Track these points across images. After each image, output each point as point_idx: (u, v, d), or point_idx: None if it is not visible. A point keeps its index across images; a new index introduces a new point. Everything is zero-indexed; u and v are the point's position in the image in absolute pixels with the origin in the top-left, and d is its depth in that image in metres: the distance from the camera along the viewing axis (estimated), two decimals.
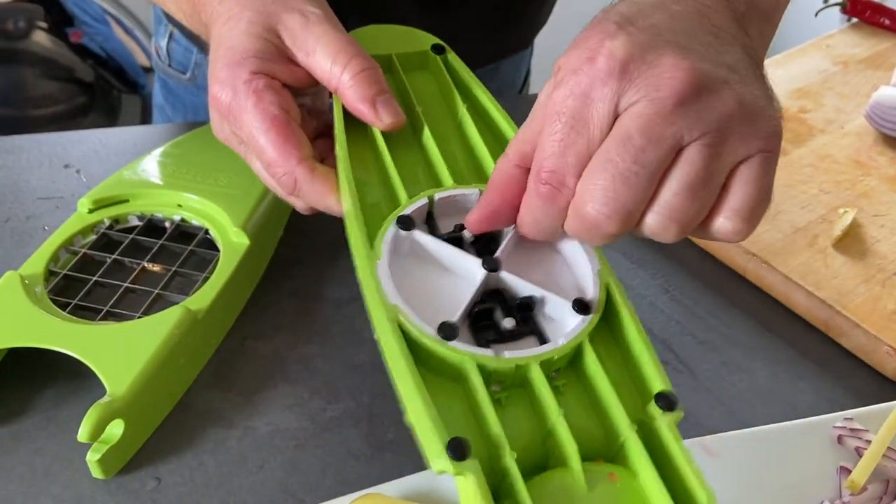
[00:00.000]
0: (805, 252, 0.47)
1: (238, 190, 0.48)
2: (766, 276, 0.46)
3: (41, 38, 1.55)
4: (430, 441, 0.25)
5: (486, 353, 0.28)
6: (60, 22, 1.56)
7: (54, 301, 0.41)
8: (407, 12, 0.57)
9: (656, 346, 0.45)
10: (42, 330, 0.39)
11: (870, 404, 0.39)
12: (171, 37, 0.69)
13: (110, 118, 1.64)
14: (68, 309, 0.41)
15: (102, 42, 1.59)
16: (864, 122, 0.56)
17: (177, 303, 0.41)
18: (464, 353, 0.28)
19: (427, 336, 0.28)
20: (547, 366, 0.28)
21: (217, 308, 0.42)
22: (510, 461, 0.26)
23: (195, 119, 0.70)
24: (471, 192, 0.34)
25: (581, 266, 0.32)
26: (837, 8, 0.69)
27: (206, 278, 0.43)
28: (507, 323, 0.30)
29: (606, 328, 0.31)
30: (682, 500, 0.25)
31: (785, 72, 0.62)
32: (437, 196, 0.34)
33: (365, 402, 0.41)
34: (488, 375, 0.28)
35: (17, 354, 0.40)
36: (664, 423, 0.27)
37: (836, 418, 0.38)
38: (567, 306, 0.30)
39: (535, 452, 0.28)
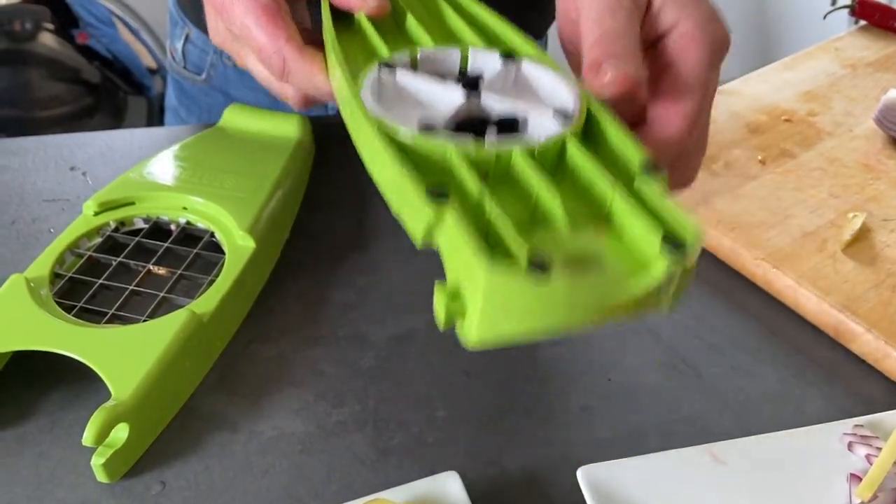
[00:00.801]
0: (814, 257, 0.47)
1: (244, 193, 0.48)
2: (775, 281, 0.46)
3: (47, 40, 1.56)
4: (410, 193, 0.25)
5: (468, 144, 0.28)
6: (67, 23, 1.56)
7: (59, 304, 0.41)
8: None
9: (664, 349, 0.44)
10: (47, 333, 0.39)
11: (879, 411, 0.39)
12: (187, 38, 0.69)
13: (116, 119, 1.64)
14: (73, 312, 0.41)
15: (108, 44, 1.59)
16: (873, 126, 0.56)
17: (182, 306, 0.41)
18: (446, 144, 0.27)
19: (409, 134, 0.28)
20: (530, 155, 0.28)
21: (222, 311, 0.42)
22: (492, 206, 0.25)
23: (209, 121, 0.70)
24: (451, 50, 0.34)
25: (562, 91, 0.32)
26: (846, 11, 0.69)
27: (212, 281, 0.43)
28: (490, 136, 0.30)
29: (591, 141, 0.30)
30: (671, 239, 0.24)
31: (793, 74, 0.62)
32: (420, 50, 0.34)
33: (371, 407, 0.41)
34: (472, 166, 0.27)
35: (21, 357, 0.40)
36: (649, 183, 0.26)
37: (846, 425, 0.37)
38: (550, 123, 0.30)
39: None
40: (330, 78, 0.35)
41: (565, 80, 0.32)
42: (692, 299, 0.47)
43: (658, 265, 0.23)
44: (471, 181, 0.26)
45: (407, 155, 0.28)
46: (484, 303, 0.23)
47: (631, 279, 0.23)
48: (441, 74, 0.34)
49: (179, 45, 0.71)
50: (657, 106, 0.33)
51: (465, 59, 0.35)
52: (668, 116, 0.32)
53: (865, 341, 0.42)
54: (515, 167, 0.28)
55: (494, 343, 0.24)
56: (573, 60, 0.38)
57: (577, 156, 0.28)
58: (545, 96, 0.33)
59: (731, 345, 0.45)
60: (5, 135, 1.54)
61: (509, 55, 0.34)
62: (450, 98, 0.31)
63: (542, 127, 0.30)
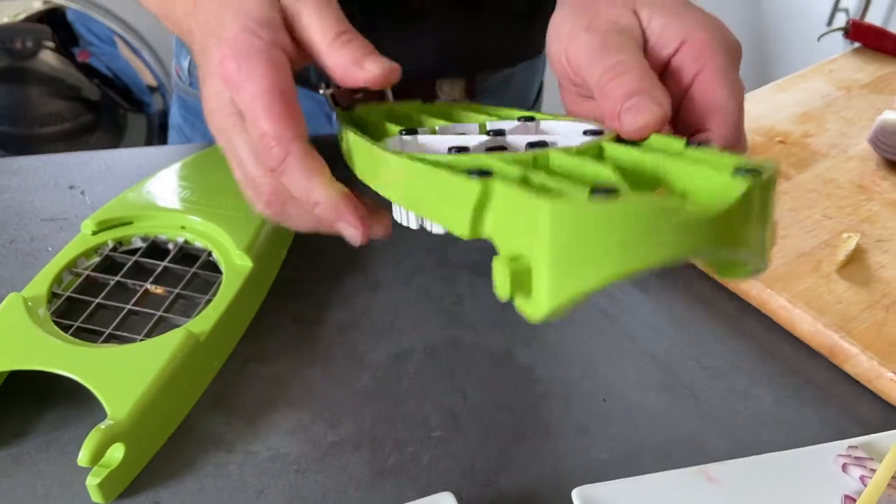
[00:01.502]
0: (809, 277, 0.47)
1: (242, 212, 0.48)
2: (770, 302, 0.46)
3: (48, 58, 1.57)
4: (450, 183, 0.24)
5: (502, 154, 0.26)
6: (68, 42, 1.57)
7: (57, 323, 0.41)
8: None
9: (661, 371, 0.44)
10: (44, 352, 0.39)
11: (874, 431, 0.39)
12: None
13: (116, 137, 1.65)
14: (71, 331, 0.41)
15: (109, 62, 1.60)
16: (868, 147, 0.56)
17: (179, 325, 0.41)
18: (479, 156, 0.26)
19: (442, 155, 0.27)
20: (567, 153, 0.26)
21: (219, 331, 0.42)
22: (538, 175, 0.24)
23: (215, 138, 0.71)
24: (470, 124, 0.34)
25: (587, 125, 0.32)
26: (840, 33, 0.70)
27: (209, 301, 0.43)
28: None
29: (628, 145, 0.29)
30: (744, 169, 0.22)
31: (788, 96, 0.63)
32: (438, 125, 0.34)
33: (367, 427, 0.41)
34: (511, 162, 0.26)
35: (18, 376, 0.40)
36: (700, 149, 0.25)
37: (841, 446, 0.37)
38: (582, 138, 0.29)
39: None
40: (342, 146, 0.33)
41: (588, 122, 0.32)
42: (689, 321, 0.48)
43: (735, 183, 0.22)
44: (511, 167, 0.25)
45: (441, 165, 0.27)
46: (552, 252, 0.20)
47: (708, 199, 0.21)
48: (463, 133, 0.34)
49: (185, 64, 0.71)
50: (701, 127, 0.33)
51: (483, 126, 0.34)
52: (717, 132, 0.33)
53: (860, 362, 0.43)
54: (554, 162, 0.26)
55: (570, 302, 0.21)
56: (571, 93, 0.38)
57: (619, 150, 0.27)
58: (571, 131, 0.32)
59: (727, 366, 0.45)
60: (4, 152, 1.54)
61: (528, 118, 0.34)
62: (477, 140, 0.31)
63: (575, 141, 0.29)
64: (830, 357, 0.44)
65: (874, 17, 1.37)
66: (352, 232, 0.33)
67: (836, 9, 1.40)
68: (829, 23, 1.42)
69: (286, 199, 0.35)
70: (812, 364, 0.45)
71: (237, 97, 0.33)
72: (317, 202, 0.33)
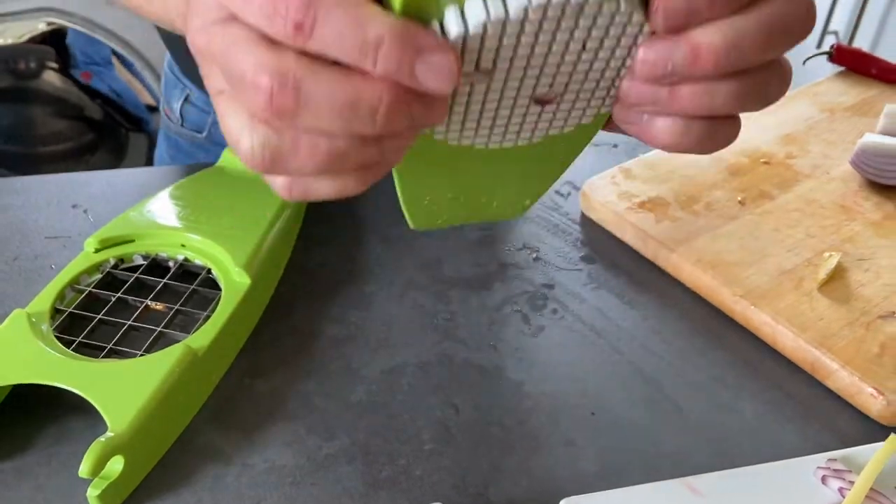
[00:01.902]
0: (791, 295, 0.48)
1: (240, 231, 0.49)
2: (753, 318, 0.48)
3: (51, 78, 1.59)
4: None
5: None
6: (70, 63, 1.60)
7: (59, 339, 0.43)
8: None
9: (647, 385, 0.46)
10: (46, 367, 0.40)
11: (854, 445, 0.40)
12: (186, 99, 0.70)
13: (117, 155, 1.67)
14: (73, 346, 0.42)
15: (110, 82, 1.62)
16: (850, 168, 0.58)
17: (178, 341, 0.43)
18: None
19: None
20: None
21: (218, 346, 0.43)
22: None
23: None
24: None
25: None
26: (825, 57, 0.71)
27: (208, 317, 0.44)
28: None
29: None
30: None
31: (773, 118, 0.64)
32: None
33: (360, 440, 0.42)
34: None
35: (21, 390, 0.41)
36: None
37: (821, 459, 0.39)
38: None
39: None
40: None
41: None
42: (675, 336, 0.49)
43: None
44: None
45: None
46: None
47: None
48: None
49: (177, 106, 0.71)
50: None
51: None
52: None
53: (840, 377, 0.44)
54: None
55: None
56: None
57: None
58: None
59: (711, 380, 0.46)
60: (7, 171, 1.56)
61: None
62: None
63: None
64: (812, 372, 0.45)
65: (862, 40, 1.40)
66: (442, 70, 0.23)
67: (825, 31, 1.43)
68: (819, 45, 1.44)
69: (304, 74, 0.23)
70: (794, 379, 0.46)
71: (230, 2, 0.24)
72: (378, 39, 0.22)
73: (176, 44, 0.70)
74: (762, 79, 0.26)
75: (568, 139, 0.31)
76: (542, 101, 0.28)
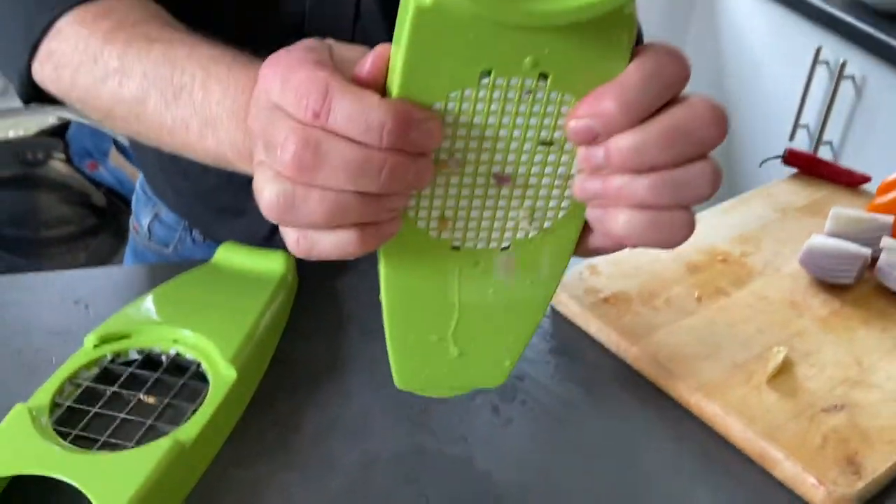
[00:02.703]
0: (742, 387, 0.52)
1: (229, 325, 0.53)
2: (707, 410, 0.51)
3: (58, 166, 1.65)
4: None
5: None
6: (74, 153, 1.67)
7: (58, 431, 0.46)
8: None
9: (605, 473, 0.49)
10: (44, 459, 0.43)
11: None
12: (155, 216, 0.74)
13: (118, 240, 1.71)
14: (69, 438, 0.46)
15: (114, 170, 1.69)
16: (799, 267, 0.62)
17: (167, 433, 0.46)
18: None
19: None
20: None
21: (204, 438, 0.47)
22: None
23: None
24: None
25: None
26: (779, 160, 0.77)
27: (196, 410, 0.48)
28: None
29: None
30: None
31: (729, 218, 0.69)
32: None
33: None
34: None
35: (21, 480, 0.44)
36: None
37: None
38: None
39: None
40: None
41: None
42: (634, 427, 0.52)
43: None
44: None
45: None
46: None
47: None
48: None
49: (146, 222, 0.75)
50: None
51: None
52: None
53: (785, 467, 0.47)
54: None
55: None
56: None
57: None
58: None
59: (668, 469, 0.49)
60: (7, 253, 1.60)
61: None
62: None
63: None
64: (760, 462, 0.48)
65: (833, 132, 1.47)
66: (431, 132, 0.29)
67: (796, 125, 1.50)
68: (791, 137, 1.51)
69: (323, 140, 0.29)
70: (745, 468, 0.49)
71: (271, 86, 0.30)
72: (381, 122, 0.28)
73: (148, 164, 0.74)
74: (681, 175, 0.31)
75: (535, 286, 0.36)
76: (499, 178, 0.33)
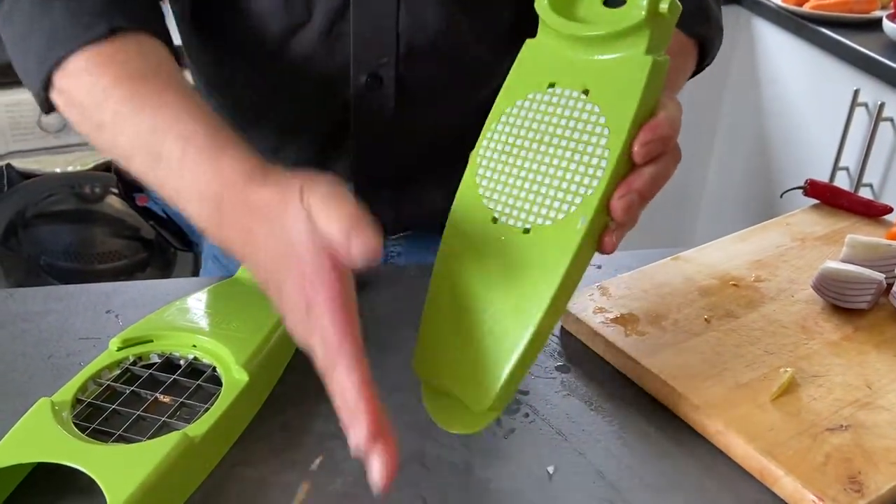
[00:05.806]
0: (745, 406, 0.51)
1: (245, 333, 0.56)
2: (709, 426, 0.51)
3: (113, 201, 1.73)
4: None
5: None
6: (130, 187, 1.74)
7: (77, 425, 0.49)
8: None
9: (606, 487, 0.49)
10: (62, 448, 0.46)
11: None
12: None
13: (165, 272, 1.78)
14: (87, 432, 0.48)
15: (164, 205, 1.76)
16: (813, 292, 0.62)
17: (179, 429, 0.48)
18: None
19: None
20: None
21: (213, 435, 0.49)
22: None
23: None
24: None
25: None
26: (801, 191, 0.77)
27: (208, 409, 0.50)
28: None
29: None
30: None
31: (746, 245, 0.69)
32: None
33: None
34: None
35: (42, 469, 0.47)
36: None
37: None
38: None
39: None
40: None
41: None
42: (637, 440, 0.52)
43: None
44: None
45: None
46: None
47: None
48: None
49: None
50: None
51: None
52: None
53: (785, 484, 0.46)
54: None
55: None
56: None
57: None
58: None
59: (669, 484, 0.49)
60: (61, 282, 1.68)
61: None
62: None
63: None
64: (761, 478, 0.48)
65: (873, 175, 1.45)
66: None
67: (836, 168, 1.49)
68: (831, 180, 1.50)
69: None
70: (745, 484, 0.49)
71: (313, 301, 0.41)
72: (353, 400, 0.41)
73: None
74: (661, 170, 0.45)
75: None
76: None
